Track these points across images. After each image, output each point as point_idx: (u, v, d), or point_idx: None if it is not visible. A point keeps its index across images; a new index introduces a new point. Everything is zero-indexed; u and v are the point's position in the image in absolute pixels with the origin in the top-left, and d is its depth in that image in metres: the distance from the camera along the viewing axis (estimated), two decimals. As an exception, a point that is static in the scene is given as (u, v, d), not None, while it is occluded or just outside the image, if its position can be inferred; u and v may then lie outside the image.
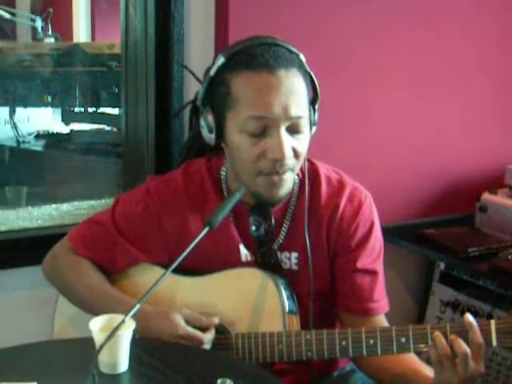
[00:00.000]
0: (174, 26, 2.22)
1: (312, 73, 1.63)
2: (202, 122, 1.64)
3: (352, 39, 2.53)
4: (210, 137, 1.64)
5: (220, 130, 1.61)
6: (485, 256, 2.46)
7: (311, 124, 1.63)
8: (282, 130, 1.54)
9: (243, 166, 1.62)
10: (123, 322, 1.28)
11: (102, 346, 1.23)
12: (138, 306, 1.33)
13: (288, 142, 1.55)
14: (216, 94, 1.61)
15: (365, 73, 2.59)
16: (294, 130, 1.56)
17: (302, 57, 1.61)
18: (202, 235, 1.48)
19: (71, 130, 3.80)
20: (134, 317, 1.35)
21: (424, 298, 2.80)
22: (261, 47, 1.56)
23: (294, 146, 1.57)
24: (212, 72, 1.61)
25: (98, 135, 3.70)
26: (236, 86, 1.56)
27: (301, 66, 1.59)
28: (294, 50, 1.60)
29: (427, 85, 2.72)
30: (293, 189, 1.72)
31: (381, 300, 1.74)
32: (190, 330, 1.57)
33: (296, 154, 1.58)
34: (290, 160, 1.57)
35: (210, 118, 1.61)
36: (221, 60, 1.59)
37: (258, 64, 1.53)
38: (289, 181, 1.61)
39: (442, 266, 2.69)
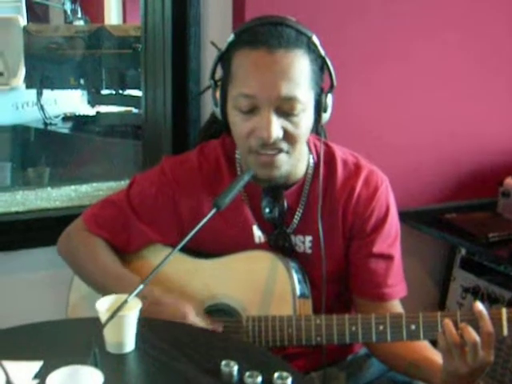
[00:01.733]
0: (191, 7, 2.21)
1: (327, 57, 1.59)
2: (212, 97, 1.64)
3: (376, 24, 2.51)
4: (217, 111, 1.64)
5: (223, 105, 1.61)
6: (506, 242, 2.43)
7: (320, 110, 1.60)
8: (270, 110, 1.52)
9: (238, 143, 1.62)
10: (126, 302, 1.28)
11: (103, 326, 1.23)
12: (141, 286, 1.33)
13: (277, 122, 1.52)
14: (223, 69, 1.61)
15: (390, 56, 2.56)
16: (286, 111, 1.53)
17: (314, 39, 1.56)
18: (209, 217, 1.48)
19: (97, 113, 3.82)
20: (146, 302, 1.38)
21: (445, 284, 2.77)
22: (266, 26, 1.53)
23: (287, 129, 1.54)
24: (222, 48, 1.60)
25: (123, 117, 3.72)
26: (236, 62, 1.55)
27: (311, 49, 1.55)
28: (304, 31, 1.55)
29: (451, 69, 2.69)
30: (307, 172, 1.71)
31: (396, 285, 1.72)
32: (198, 320, 1.59)
33: (288, 137, 1.55)
34: (278, 141, 1.54)
35: (218, 94, 1.62)
36: (231, 37, 1.58)
37: (257, 42, 1.51)
38: (283, 163, 1.58)
39: (463, 251, 2.66)
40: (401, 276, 1.74)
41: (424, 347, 1.62)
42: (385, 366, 1.76)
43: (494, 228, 2.49)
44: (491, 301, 2.46)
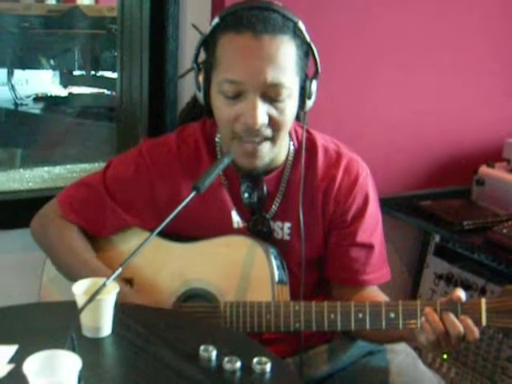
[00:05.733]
0: (170, -13, 2.18)
1: (312, 44, 1.57)
2: (195, 81, 1.62)
3: (353, 8, 2.49)
4: (200, 95, 1.62)
5: (206, 89, 1.59)
6: (480, 229, 2.44)
7: (305, 96, 1.59)
8: (256, 96, 1.50)
9: (222, 128, 1.61)
10: (104, 285, 1.26)
11: (81, 310, 1.21)
12: (119, 270, 1.31)
13: (262, 108, 1.51)
14: (207, 53, 1.59)
15: (363, 43, 2.55)
16: (272, 97, 1.52)
17: (300, 25, 1.55)
18: (188, 200, 1.45)
19: (70, 94, 3.78)
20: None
21: (418, 271, 2.79)
22: (252, 10, 1.52)
23: (272, 115, 1.53)
24: (207, 31, 1.58)
25: (96, 99, 3.68)
26: (220, 46, 1.53)
27: (297, 35, 1.54)
28: (291, 16, 1.54)
29: (428, 55, 2.68)
30: (287, 158, 1.70)
31: (376, 271, 1.73)
32: None
33: (274, 124, 1.54)
34: (264, 128, 1.53)
35: (201, 77, 1.60)
36: (215, 20, 1.56)
37: (243, 27, 1.49)
38: (266, 153, 1.57)
39: (437, 238, 2.67)
40: (382, 262, 1.75)
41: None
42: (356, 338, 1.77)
43: (469, 216, 2.51)
44: (464, 288, 2.41)
